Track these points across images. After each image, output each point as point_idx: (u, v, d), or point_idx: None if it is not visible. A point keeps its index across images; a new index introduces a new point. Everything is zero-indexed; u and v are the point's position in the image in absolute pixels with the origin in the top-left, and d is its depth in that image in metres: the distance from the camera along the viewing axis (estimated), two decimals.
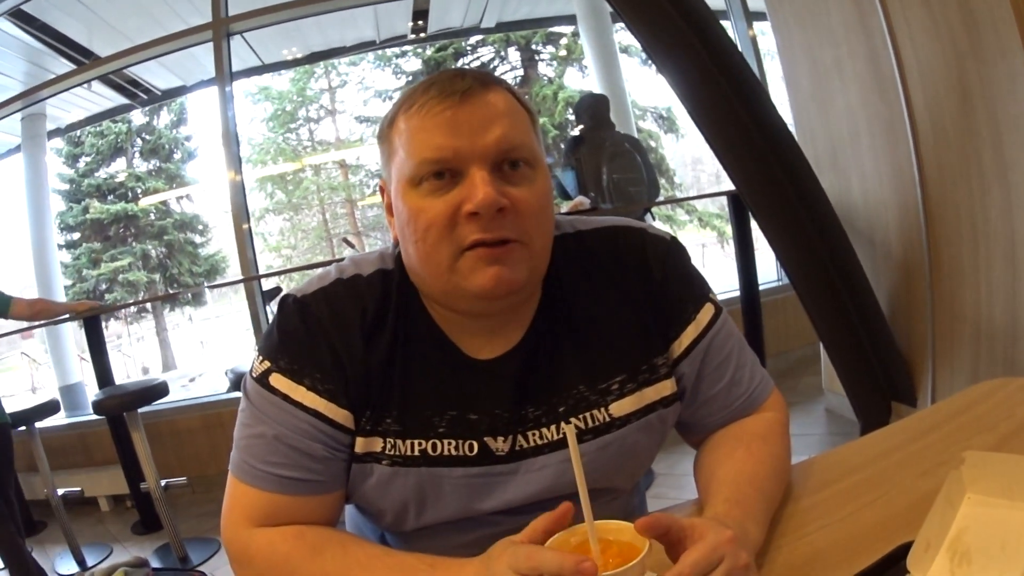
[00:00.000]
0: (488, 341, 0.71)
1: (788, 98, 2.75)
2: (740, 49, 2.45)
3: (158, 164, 11.57)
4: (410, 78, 11.52)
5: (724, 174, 2.25)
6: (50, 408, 2.78)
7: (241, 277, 3.67)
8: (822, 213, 2.19)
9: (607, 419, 0.72)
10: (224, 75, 3.78)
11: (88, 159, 11.22)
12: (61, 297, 5.83)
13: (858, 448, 0.83)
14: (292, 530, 0.67)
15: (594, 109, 3.36)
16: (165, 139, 11.53)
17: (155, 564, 2.53)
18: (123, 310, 12.18)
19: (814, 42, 2.49)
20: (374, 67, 11.96)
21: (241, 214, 3.63)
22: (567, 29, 10.37)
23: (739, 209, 2.87)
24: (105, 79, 5.98)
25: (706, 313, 0.76)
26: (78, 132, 10.12)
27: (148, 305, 11.73)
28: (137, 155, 11.55)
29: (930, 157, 2.10)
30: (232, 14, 3.84)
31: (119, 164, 11.48)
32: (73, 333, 5.71)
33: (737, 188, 2.26)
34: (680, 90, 2.10)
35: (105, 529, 3.06)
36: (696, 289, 0.77)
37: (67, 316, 3.02)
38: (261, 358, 0.70)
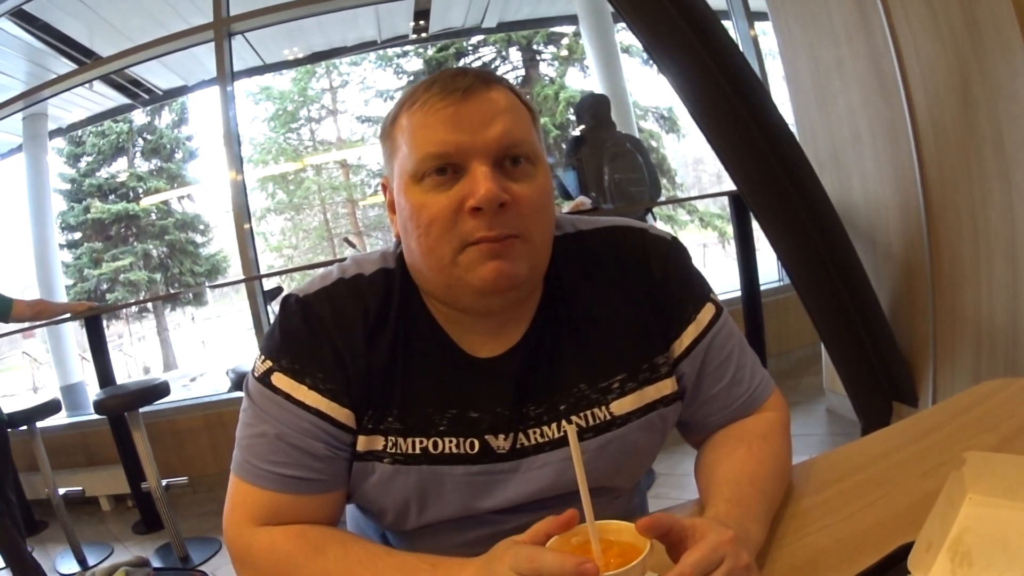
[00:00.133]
0: (489, 340, 0.72)
1: (789, 98, 2.75)
2: (741, 49, 2.45)
3: (159, 164, 11.58)
4: (411, 78, 11.53)
5: (725, 174, 2.25)
6: (51, 408, 2.79)
7: (242, 277, 3.67)
8: (823, 213, 2.19)
9: (608, 417, 0.72)
10: (225, 75, 3.79)
11: (89, 159, 11.23)
12: (62, 297, 5.84)
13: (859, 448, 0.83)
14: (294, 529, 0.67)
15: (595, 109, 3.36)
16: (166, 139, 11.54)
17: (156, 564, 2.54)
18: (124, 310, 12.19)
19: (815, 42, 2.49)
20: (375, 67, 11.98)
21: (242, 214, 3.63)
22: (568, 29, 10.37)
23: (740, 209, 2.87)
24: (106, 79, 5.99)
25: (707, 313, 0.76)
26: (79, 132, 10.13)
27: (149, 305, 11.75)
28: (138, 155, 11.57)
29: (931, 157, 2.10)
30: (233, 14, 3.84)
31: (120, 164, 11.49)
32: (74, 333, 5.71)
33: (738, 188, 2.26)
34: (681, 90, 2.10)
35: (106, 529, 3.07)
36: (697, 289, 0.77)
37: (67, 316, 3.04)
38: (263, 357, 0.71)
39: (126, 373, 10.20)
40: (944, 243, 2.13)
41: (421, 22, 6.32)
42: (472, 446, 0.70)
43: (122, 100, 7.06)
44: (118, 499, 3.28)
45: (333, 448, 0.69)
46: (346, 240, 8.83)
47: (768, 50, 3.85)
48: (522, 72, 11.62)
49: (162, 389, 2.61)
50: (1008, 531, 0.57)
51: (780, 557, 0.63)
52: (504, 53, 11.66)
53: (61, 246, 10.35)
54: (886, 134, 2.26)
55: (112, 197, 11.26)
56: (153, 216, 11.60)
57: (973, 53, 1.83)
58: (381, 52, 11.00)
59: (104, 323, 3.38)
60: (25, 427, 2.69)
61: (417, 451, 0.69)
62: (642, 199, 3.27)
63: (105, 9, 4.80)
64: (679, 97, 2.12)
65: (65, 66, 5.01)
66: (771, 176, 2.12)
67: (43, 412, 2.73)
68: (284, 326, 0.71)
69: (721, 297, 0.79)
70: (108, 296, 10.88)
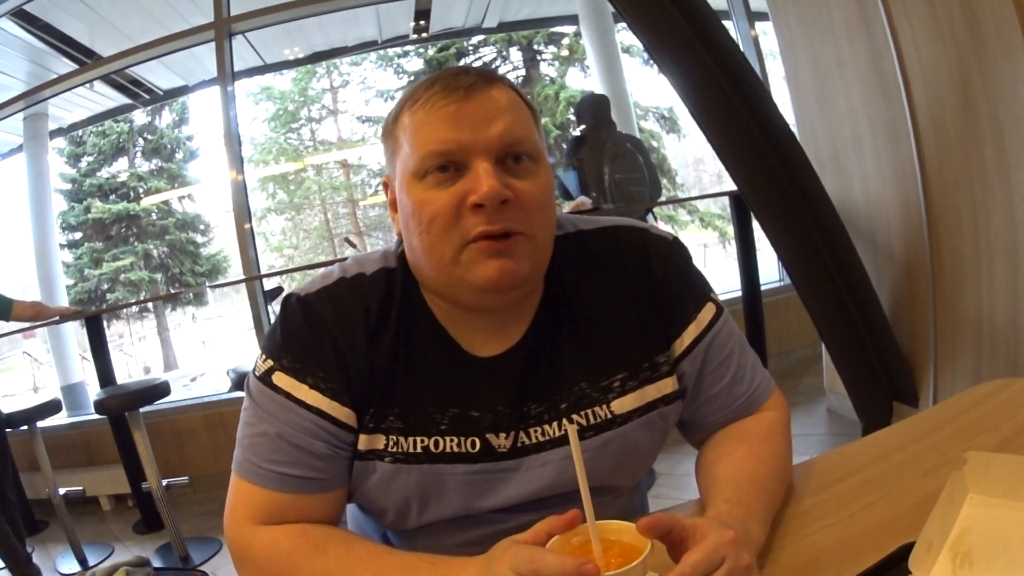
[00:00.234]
0: (490, 339, 0.72)
1: (790, 98, 2.75)
2: (742, 49, 2.45)
3: (160, 164, 11.59)
4: (412, 78, 11.53)
5: (726, 174, 2.25)
6: (52, 407, 2.79)
7: (243, 277, 3.67)
8: (824, 213, 2.19)
9: (608, 416, 0.72)
10: (226, 75, 3.79)
11: (90, 159, 11.24)
12: (63, 296, 5.85)
13: (860, 448, 0.83)
14: (295, 528, 0.67)
15: (595, 109, 3.36)
16: (167, 139, 11.55)
17: (156, 563, 2.54)
18: (124, 309, 12.20)
19: (816, 42, 2.49)
20: (376, 67, 11.99)
21: (243, 214, 3.63)
22: (569, 29, 10.38)
23: (741, 209, 2.87)
24: (107, 79, 6.00)
25: (707, 312, 0.76)
26: (80, 132, 10.14)
27: (150, 305, 11.75)
28: (139, 155, 11.57)
29: (932, 157, 2.10)
30: (234, 14, 3.84)
31: (121, 164, 11.50)
32: (75, 333, 5.72)
33: (739, 188, 2.26)
34: (682, 90, 2.10)
35: (107, 528, 3.07)
36: (697, 289, 0.77)
37: (56, 319, 3.11)
38: (264, 357, 0.71)
39: (126, 373, 10.21)
40: (945, 243, 2.13)
41: (421, 22, 6.32)
42: (473, 445, 0.70)
43: (123, 100, 7.07)
44: (118, 499, 3.28)
45: (334, 447, 0.69)
46: (347, 240, 8.84)
47: (769, 50, 3.85)
48: (523, 72, 11.62)
49: (162, 389, 2.61)
50: (1009, 531, 0.57)
51: (781, 557, 0.63)
52: (505, 53, 11.66)
53: (62, 246, 10.35)
54: (887, 134, 2.26)
55: (113, 197, 11.27)
56: (154, 216, 11.61)
57: (974, 53, 1.83)
58: (382, 52, 11.01)
59: (105, 323, 3.39)
60: (26, 427, 2.69)
61: (418, 450, 0.69)
62: (642, 199, 3.27)
63: (106, 9, 4.80)
64: (680, 97, 2.12)
65: (66, 66, 5.01)
66: (772, 176, 2.12)
67: (44, 412, 2.74)
68: (285, 325, 0.71)
69: (722, 297, 0.80)
70: (109, 296, 10.88)
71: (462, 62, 11.34)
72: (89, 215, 11.00)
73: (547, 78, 11.58)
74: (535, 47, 11.61)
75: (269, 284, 3.80)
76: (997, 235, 1.92)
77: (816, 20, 2.45)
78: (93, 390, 3.70)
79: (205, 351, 11.98)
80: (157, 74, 6.55)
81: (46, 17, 4.72)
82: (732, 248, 3.84)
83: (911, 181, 2.19)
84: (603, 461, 0.72)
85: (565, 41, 11.43)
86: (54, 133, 6.94)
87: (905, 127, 2.15)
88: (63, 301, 5.73)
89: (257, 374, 0.71)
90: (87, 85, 5.61)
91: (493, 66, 11.41)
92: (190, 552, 2.56)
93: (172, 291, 11.58)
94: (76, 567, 2.66)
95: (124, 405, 2.53)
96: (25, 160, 5.50)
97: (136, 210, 11.34)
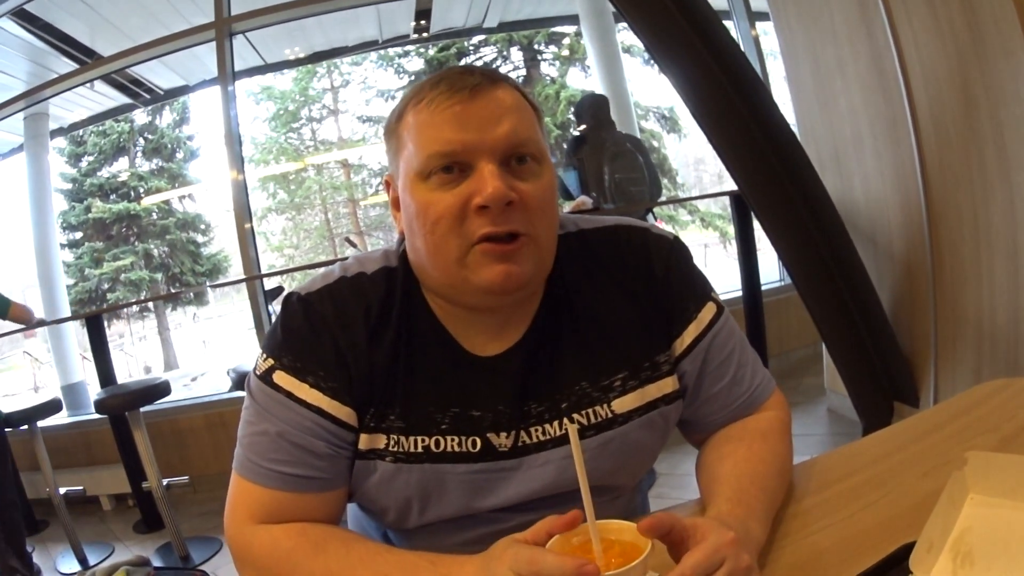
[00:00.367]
0: (491, 338, 0.72)
1: (791, 98, 2.75)
2: (743, 49, 2.44)
3: (160, 163, 11.58)
4: (412, 78, 11.53)
5: (726, 174, 2.25)
6: (52, 407, 2.79)
7: (243, 276, 3.68)
8: (824, 213, 2.19)
9: (609, 415, 0.72)
10: (226, 74, 3.79)
11: (91, 158, 11.23)
12: (64, 296, 5.85)
13: (860, 448, 0.83)
14: (295, 527, 0.67)
15: (595, 109, 3.36)
16: (167, 138, 11.54)
17: (157, 563, 2.54)
18: (125, 309, 12.20)
19: (817, 42, 2.48)
20: (376, 67, 11.98)
21: (243, 213, 3.63)
22: (570, 29, 10.37)
23: (741, 209, 2.87)
24: (108, 78, 5.99)
25: (708, 312, 0.76)
26: (81, 131, 10.13)
27: (150, 304, 11.75)
28: (139, 154, 11.57)
29: (933, 157, 2.10)
30: (235, 13, 3.85)
31: (121, 163, 11.49)
32: (75, 332, 5.72)
33: (739, 188, 2.26)
34: (682, 90, 2.10)
35: (107, 528, 3.07)
36: (698, 288, 0.77)
37: (38, 322, 3.16)
38: (265, 356, 0.71)
39: (127, 373, 10.20)
40: (945, 243, 2.13)
41: (422, 22, 6.32)
42: (474, 444, 0.70)
43: (123, 100, 7.07)
44: (119, 498, 3.28)
45: (335, 446, 0.69)
46: (347, 240, 8.82)
47: (769, 50, 3.85)
48: (523, 72, 11.61)
49: (163, 388, 2.61)
50: (1010, 531, 0.57)
51: (781, 557, 0.63)
52: (505, 53, 11.66)
53: (62, 246, 10.34)
54: (887, 134, 2.26)
55: (113, 197, 11.26)
56: (154, 216, 11.60)
57: (974, 53, 1.83)
58: (382, 52, 11.00)
59: (105, 322, 3.39)
60: (26, 426, 2.70)
61: (419, 450, 0.69)
62: (643, 199, 3.27)
63: (106, 9, 4.80)
64: (680, 97, 2.12)
65: (66, 66, 5.01)
66: (772, 176, 2.12)
67: (44, 411, 2.74)
68: (286, 324, 0.71)
69: (722, 297, 0.80)
70: (109, 296, 10.88)
71: (463, 62, 11.33)
72: (89, 215, 11.00)
73: (548, 78, 11.57)
74: (536, 47, 11.61)
75: (270, 284, 3.80)
76: (998, 235, 1.92)
77: (817, 20, 2.45)
78: (93, 390, 3.71)
79: (205, 351, 11.98)
80: (158, 74, 6.55)
81: (46, 17, 4.72)
82: (733, 248, 3.84)
83: (912, 181, 2.19)
84: (604, 460, 0.72)
85: (566, 41, 11.43)
86: (55, 133, 6.94)
87: (906, 127, 2.15)
88: (64, 301, 5.75)
89: (258, 373, 0.71)
90: (87, 85, 5.61)
91: (494, 66, 11.41)
92: (190, 552, 2.57)
93: (172, 291, 11.58)
94: (76, 567, 2.66)
95: (124, 405, 2.53)
96: (26, 160, 5.50)
97: (137, 210, 11.33)
